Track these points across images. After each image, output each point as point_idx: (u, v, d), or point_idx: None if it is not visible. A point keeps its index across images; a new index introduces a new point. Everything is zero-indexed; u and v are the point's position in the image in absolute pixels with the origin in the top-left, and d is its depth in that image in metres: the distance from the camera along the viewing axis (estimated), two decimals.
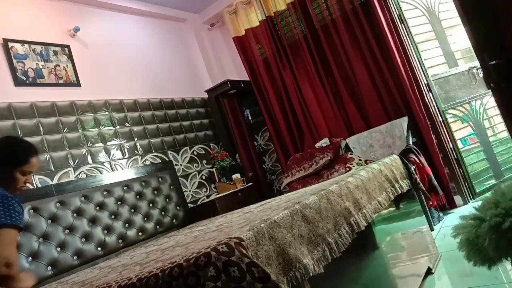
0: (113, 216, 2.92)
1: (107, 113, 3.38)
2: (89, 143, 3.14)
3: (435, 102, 3.48)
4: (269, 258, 1.07)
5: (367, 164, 3.26)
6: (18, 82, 2.83)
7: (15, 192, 1.68)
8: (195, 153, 4.05)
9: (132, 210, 3.08)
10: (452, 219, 3.08)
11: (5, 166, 1.64)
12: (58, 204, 2.63)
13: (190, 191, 3.82)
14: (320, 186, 2.18)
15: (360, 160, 3.41)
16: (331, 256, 1.28)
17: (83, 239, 2.67)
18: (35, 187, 2.64)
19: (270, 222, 1.18)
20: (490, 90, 1.49)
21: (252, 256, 1.00)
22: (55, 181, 2.78)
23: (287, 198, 2.00)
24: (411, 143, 3.29)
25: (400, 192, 2.11)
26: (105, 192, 2.95)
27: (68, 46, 3.25)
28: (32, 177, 2.07)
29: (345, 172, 3.16)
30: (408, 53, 3.44)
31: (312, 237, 1.28)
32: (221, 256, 0.97)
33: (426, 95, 3.44)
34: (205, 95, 4.42)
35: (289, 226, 1.22)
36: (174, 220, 3.35)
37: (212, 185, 4.09)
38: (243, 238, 1.04)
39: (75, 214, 2.70)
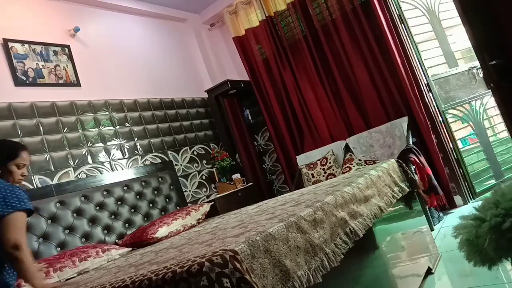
0: (113, 216, 2.93)
1: (107, 113, 3.38)
2: (89, 143, 3.14)
3: (435, 102, 3.48)
4: (265, 270, 1.09)
5: (367, 164, 3.26)
6: (18, 82, 2.83)
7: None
8: (195, 153, 4.05)
9: (132, 210, 3.08)
10: (452, 219, 3.08)
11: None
12: (58, 204, 2.63)
13: (190, 191, 3.82)
14: (316, 189, 2.17)
15: (360, 160, 3.41)
16: (330, 266, 1.29)
17: (83, 239, 2.67)
18: (35, 187, 2.65)
19: (265, 235, 1.18)
20: (490, 90, 1.49)
21: (245, 271, 1.01)
22: (55, 181, 2.78)
23: (284, 199, 2.00)
24: (411, 143, 3.29)
25: (401, 195, 2.11)
26: (105, 192, 2.95)
27: (68, 46, 3.25)
28: (28, 171, 2.22)
29: (344, 172, 3.16)
30: (408, 53, 3.44)
31: (309, 248, 1.28)
32: (215, 267, 0.99)
33: (426, 95, 3.43)
34: (205, 95, 4.42)
35: (284, 238, 1.22)
36: None
37: (212, 185, 4.09)
38: (237, 251, 1.05)
39: (75, 214, 2.70)
